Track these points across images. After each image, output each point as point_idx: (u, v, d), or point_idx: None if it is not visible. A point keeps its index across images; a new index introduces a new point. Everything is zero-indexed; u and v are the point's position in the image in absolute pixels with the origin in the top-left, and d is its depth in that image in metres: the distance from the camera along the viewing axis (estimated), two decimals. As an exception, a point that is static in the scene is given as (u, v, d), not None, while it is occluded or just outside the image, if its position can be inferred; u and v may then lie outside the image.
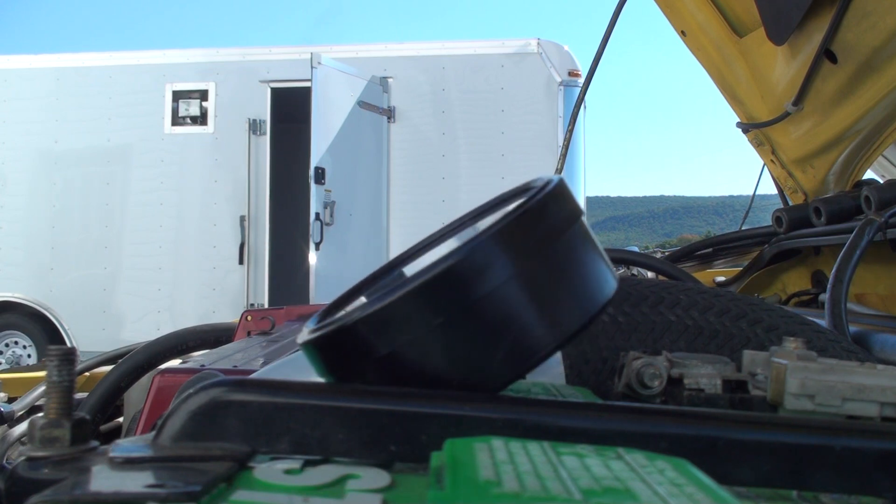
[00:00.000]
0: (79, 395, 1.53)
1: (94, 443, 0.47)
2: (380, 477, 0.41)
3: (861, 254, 1.45)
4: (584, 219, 0.55)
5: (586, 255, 0.55)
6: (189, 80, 7.61)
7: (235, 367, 1.14)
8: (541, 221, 0.51)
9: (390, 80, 7.38)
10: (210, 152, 7.60)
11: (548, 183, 0.54)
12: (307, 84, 6.54)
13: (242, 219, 7.53)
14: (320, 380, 0.53)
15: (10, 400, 1.68)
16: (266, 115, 7.52)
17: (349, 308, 0.62)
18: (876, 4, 1.55)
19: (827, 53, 1.68)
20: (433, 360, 0.49)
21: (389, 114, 7.36)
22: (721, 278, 2.58)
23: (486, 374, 0.50)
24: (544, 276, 0.51)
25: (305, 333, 0.53)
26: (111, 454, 0.44)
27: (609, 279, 0.56)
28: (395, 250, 7.01)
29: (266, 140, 7.52)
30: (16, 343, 7.48)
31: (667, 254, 2.67)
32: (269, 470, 0.42)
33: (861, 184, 1.90)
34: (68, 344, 6.84)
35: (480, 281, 0.48)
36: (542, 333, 0.51)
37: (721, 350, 0.93)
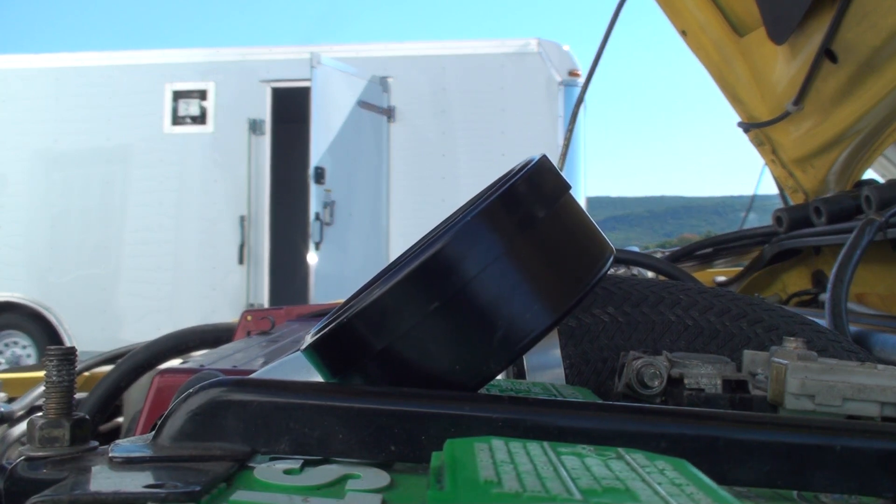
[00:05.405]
0: (79, 395, 1.53)
1: (94, 443, 0.47)
2: (380, 477, 0.41)
3: (861, 253, 1.44)
4: (572, 193, 0.55)
5: (576, 228, 0.55)
6: (189, 80, 7.61)
7: (235, 367, 1.14)
8: (525, 198, 0.51)
9: (390, 80, 7.38)
10: (210, 152, 7.60)
11: (529, 161, 0.54)
12: (307, 84, 6.54)
13: (242, 219, 7.53)
14: (320, 380, 0.53)
15: (10, 400, 1.67)
16: (266, 115, 7.52)
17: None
18: (876, 4, 1.55)
19: (827, 53, 1.68)
20: (433, 348, 0.49)
21: (389, 114, 7.36)
22: (721, 278, 2.57)
23: (487, 356, 0.50)
24: (535, 251, 0.51)
25: (307, 339, 0.54)
26: (111, 454, 0.44)
27: (602, 253, 0.56)
28: (395, 250, 7.01)
29: (266, 140, 7.52)
30: (15, 343, 7.48)
31: (667, 254, 2.66)
32: (268, 470, 0.42)
33: (861, 183, 1.90)
34: (68, 344, 6.83)
35: (471, 261, 0.48)
36: (537, 310, 0.51)
37: (721, 350, 0.92)
